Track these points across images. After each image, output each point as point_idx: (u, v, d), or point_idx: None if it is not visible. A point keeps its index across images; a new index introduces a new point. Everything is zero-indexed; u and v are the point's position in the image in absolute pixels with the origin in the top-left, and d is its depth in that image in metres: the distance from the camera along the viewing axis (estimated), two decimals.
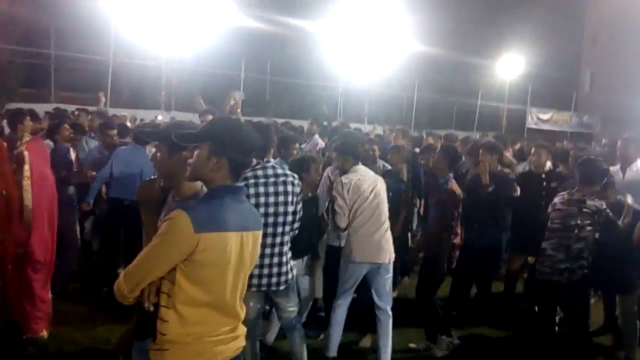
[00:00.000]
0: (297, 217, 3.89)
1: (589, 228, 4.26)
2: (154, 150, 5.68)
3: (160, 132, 2.69)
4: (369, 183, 4.27)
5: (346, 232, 4.36)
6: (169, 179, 2.62)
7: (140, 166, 5.76)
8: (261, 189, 3.70)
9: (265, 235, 3.56)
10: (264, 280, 3.74)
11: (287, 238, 3.84)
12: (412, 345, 4.97)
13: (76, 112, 9.27)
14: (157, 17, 14.78)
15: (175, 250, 2.06)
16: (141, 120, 11.89)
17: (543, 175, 6.08)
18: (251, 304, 3.75)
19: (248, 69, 18.87)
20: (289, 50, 20.85)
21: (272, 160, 3.93)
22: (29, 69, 17.26)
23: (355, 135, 5.44)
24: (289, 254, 3.88)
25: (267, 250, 3.70)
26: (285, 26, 19.57)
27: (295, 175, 3.94)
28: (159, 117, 13.92)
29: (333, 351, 4.33)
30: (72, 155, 5.99)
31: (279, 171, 3.82)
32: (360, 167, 4.35)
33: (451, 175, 4.80)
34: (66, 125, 6.03)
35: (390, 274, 4.44)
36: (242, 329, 2.30)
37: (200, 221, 2.06)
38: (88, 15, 15.15)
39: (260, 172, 3.72)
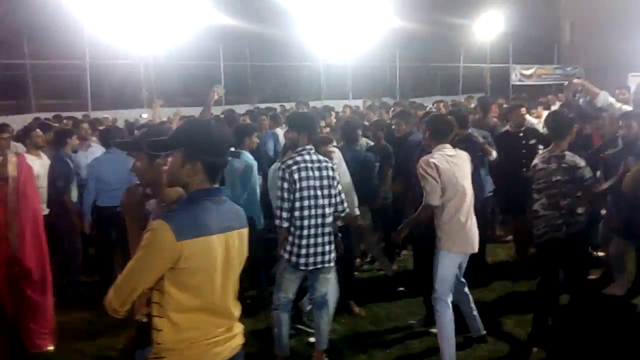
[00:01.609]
0: (339, 199, 4.17)
1: (570, 184, 4.26)
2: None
3: (137, 142, 2.69)
4: None
5: None
6: (152, 186, 2.64)
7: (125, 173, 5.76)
8: (303, 174, 4.01)
9: (308, 217, 4.04)
10: (311, 260, 4.07)
11: (328, 220, 4.11)
12: (412, 321, 5.05)
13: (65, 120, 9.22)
14: (129, 15, 14.62)
15: (159, 261, 2.07)
16: (125, 120, 11.79)
17: (521, 134, 6.19)
18: (295, 283, 4.22)
19: (227, 57, 18.71)
20: (266, 33, 20.65)
21: (308, 147, 4.13)
22: (5, 81, 17.07)
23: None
24: (332, 236, 4.16)
25: (312, 231, 4.05)
26: (261, 9, 19.39)
27: (329, 161, 4.21)
28: (144, 115, 13.82)
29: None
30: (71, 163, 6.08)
31: (315, 157, 4.11)
32: None
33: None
34: (38, 131, 6.00)
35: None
36: (239, 327, 2.34)
37: (181, 229, 2.07)
38: (59, 20, 14.96)
39: (299, 158, 4.05)
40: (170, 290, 2.10)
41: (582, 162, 4.32)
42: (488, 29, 22.34)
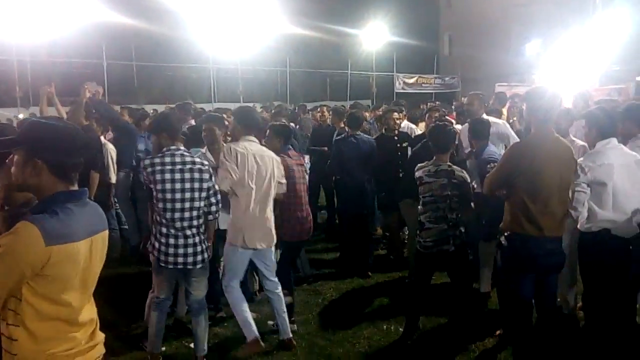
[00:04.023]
0: (209, 201, 4.17)
1: (459, 198, 4.48)
2: None
3: None
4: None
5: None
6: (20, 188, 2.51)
7: None
8: (167, 175, 3.99)
9: (174, 220, 4.02)
10: (179, 259, 4.07)
11: (197, 222, 4.12)
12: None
13: None
14: (5, 8, 13.63)
15: (23, 266, 1.93)
16: None
17: (395, 138, 6.75)
18: (164, 282, 4.22)
19: (112, 56, 17.97)
20: (154, 32, 20.04)
21: (181, 147, 4.13)
22: None
23: None
24: (204, 236, 4.19)
25: (179, 232, 4.05)
26: (149, 7, 18.82)
27: (205, 162, 4.18)
28: (20, 116, 12.94)
29: None
30: None
31: (187, 158, 4.07)
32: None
33: None
34: None
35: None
36: (100, 336, 2.26)
37: (50, 233, 1.95)
38: None
39: (167, 159, 4.02)
40: (28, 298, 1.98)
41: (468, 177, 4.61)
42: (374, 38, 23.36)
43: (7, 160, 2.29)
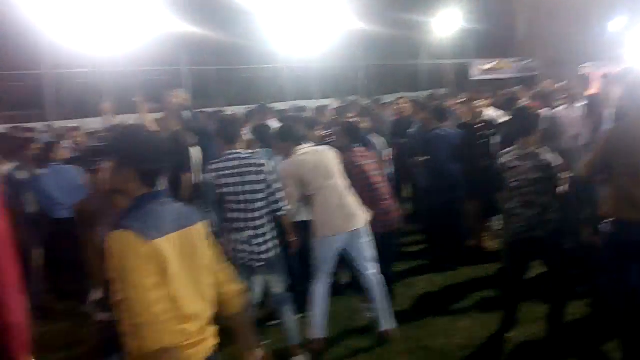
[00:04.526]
0: (274, 198, 4.36)
1: (547, 182, 4.35)
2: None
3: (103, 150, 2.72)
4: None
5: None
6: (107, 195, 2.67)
7: (76, 183, 5.87)
8: (224, 180, 4.21)
9: (238, 220, 4.24)
10: (246, 257, 4.25)
11: (260, 221, 4.28)
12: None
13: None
14: (85, 22, 14.41)
15: (139, 265, 2.06)
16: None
17: (477, 126, 6.62)
18: (240, 277, 4.19)
19: (188, 62, 18.60)
20: (227, 36, 20.55)
21: (237, 150, 4.33)
22: None
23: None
24: (270, 235, 4.33)
25: (244, 232, 4.24)
26: (219, 12, 19.33)
27: (262, 162, 4.35)
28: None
29: None
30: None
31: (245, 161, 4.27)
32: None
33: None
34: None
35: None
36: (211, 328, 2.34)
37: (142, 232, 2.09)
38: (16, 30, 14.65)
39: (221, 165, 4.24)
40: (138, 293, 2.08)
41: (555, 161, 4.43)
42: (446, 25, 22.81)
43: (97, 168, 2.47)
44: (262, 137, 5.48)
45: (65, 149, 6.30)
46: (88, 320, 2.91)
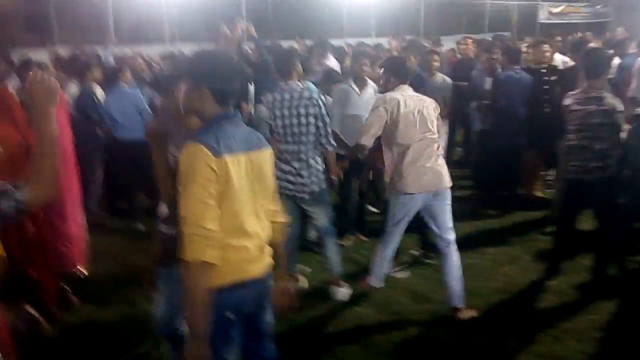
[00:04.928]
0: (322, 132, 4.33)
1: (609, 127, 4.21)
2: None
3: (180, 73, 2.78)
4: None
5: None
6: (176, 117, 2.75)
7: (138, 107, 6.14)
8: (277, 112, 4.28)
9: (286, 152, 4.31)
10: (289, 186, 4.34)
11: (306, 155, 4.32)
12: (412, 251, 5.23)
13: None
14: None
15: (205, 179, 2.14)
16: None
17: (543, 70, 6.34)
18: (284, 205, 4.34)
19: None
20: None
21: (293, 82, 4.33)
22: (28, 16, 17.03)
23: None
24: (315, 168, 4.36)
25: (288, 164, 4.32)
26: None
27: (316, 94, 4.31)
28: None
29: None
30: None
31: (296, 94, 4.27)
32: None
33: None
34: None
35: None
36: (269, 249, 2.45)
37: (215, 147, 2.17)
38: None
39: (277, 96, 4.30)
40: None
41: (620, 106, 4.26)
42: None
43: (174, 89, 2.53)
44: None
45: (130, 74, 6.43)
46: (151, 235, 3.05)
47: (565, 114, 4.44)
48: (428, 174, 4.06)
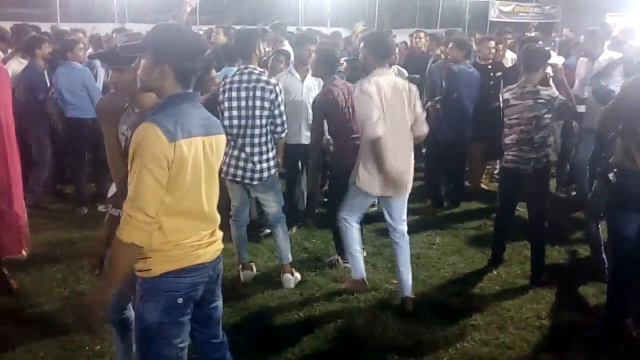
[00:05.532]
0: (274, 121, 4.28)
1: (547, 116, 4.40)
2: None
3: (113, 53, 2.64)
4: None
5: None
6: (130, 95, 2.62)
7: (88, 84, 5.94)
8: (233, 94, 4.17)
9: (237, 136, 4.21)
10: (239, 172, 4.29)
11: (259, 140, 4.27)
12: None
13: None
14: None
15: (154, 164, 2.06)
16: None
17: (489, 67, 6.54)
18: (232, 191, 4.47)
19: None
20: None
21: (252, 66, 4.23)
22: None
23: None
24: (267, 155, 4.30)
25: (240, 149, 4.25)
26: None
27: (273, 81, 4.23)
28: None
29: None
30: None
31: (254, 77, 4.19)
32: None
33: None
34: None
35: None
36: (219, 233, 2.42)
37: (171, 130, 2.08)
38: None
39: (236, 78, 4.21)
40: None
41: (556, 92, 4.47)
42: None
43: (132, 64, 2.41)
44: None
45: (81, 50, 6.16)
46: (95, 219, 2.95)
47: (504, 108, 4.60)
48: (397, 181, 4.01)
